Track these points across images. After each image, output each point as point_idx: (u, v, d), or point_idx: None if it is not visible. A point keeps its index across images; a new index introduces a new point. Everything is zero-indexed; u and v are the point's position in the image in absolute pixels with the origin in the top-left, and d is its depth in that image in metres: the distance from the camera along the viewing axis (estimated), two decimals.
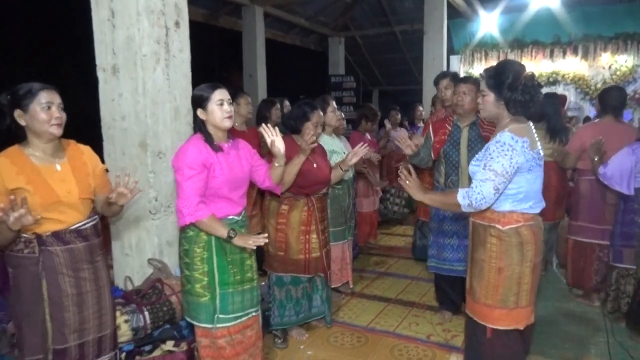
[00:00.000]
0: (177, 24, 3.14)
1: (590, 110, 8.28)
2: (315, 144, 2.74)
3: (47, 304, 1.95)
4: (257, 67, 8.03)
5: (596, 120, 3.82)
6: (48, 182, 1.94)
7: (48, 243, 1.94)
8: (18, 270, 1.94)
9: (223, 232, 2.15)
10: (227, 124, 2.22)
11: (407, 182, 2.13)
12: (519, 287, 2.02)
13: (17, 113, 1.91)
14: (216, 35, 8.90)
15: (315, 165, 2.91)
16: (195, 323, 2.32)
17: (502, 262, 2.01)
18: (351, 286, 3.84)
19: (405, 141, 2.99)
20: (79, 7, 3.41)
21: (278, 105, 4.39)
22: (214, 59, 9.45)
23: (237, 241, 2.15)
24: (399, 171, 2.20)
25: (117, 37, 2.97)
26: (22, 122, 1.92)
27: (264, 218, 3.09)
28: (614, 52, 8.13)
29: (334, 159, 3.39)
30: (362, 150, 2.90)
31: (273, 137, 2.36)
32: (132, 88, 2.97)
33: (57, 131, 1.95)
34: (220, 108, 2.19)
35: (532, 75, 1.98)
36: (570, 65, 8.40)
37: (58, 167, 2.00)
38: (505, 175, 1.90)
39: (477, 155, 2.10)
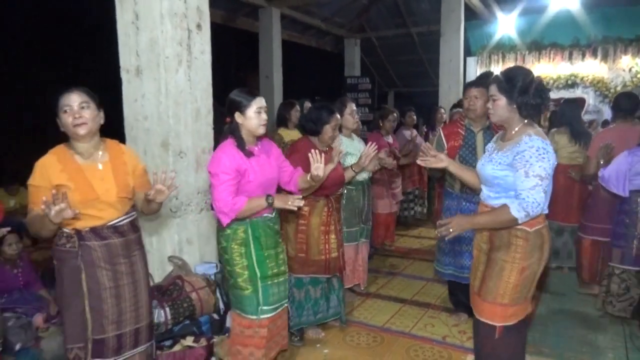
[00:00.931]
0: (199, 26, 3.20)
1: (609, 114, 8.17)
2: (342, 151, 2.80)
3: (86, 296, 2.04)
4: (274, 69, 8.09)
5: (612, 125, 3.85)
6: (89, 180, 2.03)
7: (87, 238, 2.04)
8: (61, 264, 2.06)
9: (263, 202, 2.29)
10: (262, 131, 2.34)
11: (451, 228, 2.03)
12: (532, 284, 2.11)
13: (57, 121, 2.04)
14: (233, 36, 8.98)
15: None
16: (241, 314, 2.42)
17: (526, 262, 2.04)
18: (362, 288, 3.84)
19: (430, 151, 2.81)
20: (104, 10, 3.49)
21: (297, 107, 4.43)
22: (231, 60, 9.54)
23: (278, 203, 2.29)
24: (436, 233, 2.13)
25: (140, 39, 3.04)
26: (61, 128, 2.05)
27: (282, 220, 3.12)
28: (634, 54, 7.99)
29: (348, 161, 3.40)
30: (372, 151, 2.92)
31: (318, 163, 2.40)
32: (155, 89, 3.04)
33: (81, 131, 2.00)
34: (258, 116, 2.30)
35: (541, 79, 2.04)
36: (590, 67, 8.28)
37: (100, 166, 2.09)
38: (548, 178, 1.94)
39: (495, 159, 2.07)
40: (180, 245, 3.18)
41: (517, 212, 1.92)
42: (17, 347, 2.87)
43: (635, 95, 3.72)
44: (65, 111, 1.99)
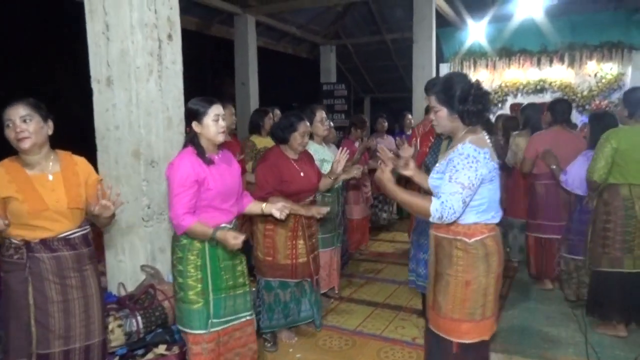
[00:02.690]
0: (169, 36, 3.24)
1: (576, 117, 8.41)
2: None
3: (32, 309, 2.01)
4: (250, 75, 8.12)
5: (546, 128, 4.17)
6: (38, 190, 2.01)
7: (36, 250, 2.02)
8: (7, 275, 2.03)
9: (208, 233, 2.24)
10: (221, 138, 2.33)
11: (383, 167, 2.01)
12: (485, 299, 2.01)
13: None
14: (209, 43, 9.01)
15: (302, 174, 3.01)
16: (188, 330, 2.35)
17: (469, 275, 1.98)
18: (337, 292, 3.91)
19: (385, 154, 2.60)
20: (74, 20, 3.51)
21: (271, 115, 4.47)
22: (206, 68, 9.56)
23: (221, 238, 2.23)
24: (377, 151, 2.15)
25: (111, 50, 3.06)
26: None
27: (252, 224, 3.18)
28: (599, 60, 8.27)
29: (325, 168, 3.48)
30: (344, 157, 2.96)
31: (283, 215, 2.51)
32: (126, 99, 3.06)
33: (24, 145, 1.98)
34: (215, 124, 2.28)
35: (479, 84, 1.98)
36: (557, 73, 8.53)
37: (50, 177, 2.07)
38: (471, 188, 1.88)
39: (436, 168, 2.06)
40: (153, 254, 3.19)
41: (434, 209, 1.88)
42: None
43: (570, 103, 4.11)
44: (8, 125, 1.98)
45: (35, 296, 2.01)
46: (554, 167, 3.57)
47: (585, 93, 8.32)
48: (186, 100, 3.40)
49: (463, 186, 1.86)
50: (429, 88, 2.06)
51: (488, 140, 2.03)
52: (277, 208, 2.49)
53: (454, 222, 1.97)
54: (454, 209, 1.87)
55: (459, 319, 2.01)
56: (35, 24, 7.12)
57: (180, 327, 2.43)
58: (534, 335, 3.21)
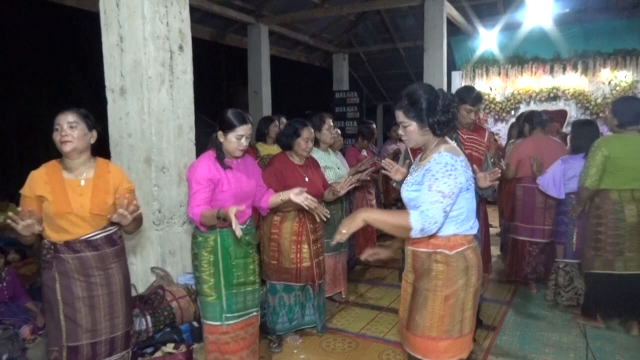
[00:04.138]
0: (180, 48, 3.37)
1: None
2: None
3: (61, 305, 2.18)
4: (262, 84, 8.26)
5: (527, 136, 4.30)
6: (67, 194, 2.17)
7: (61, 251, 2.18)
8: (42, 272, 2.22)
9: (214, 214, 2.30)
10: (238, 154, 2.49)
11: (343, 229, 1.81)
12: (463, 314, 1.91)
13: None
14: (223, 53, 9.18)
15: (307, 179, 3.10)
16: (203, 320, 2.57)
17: (449, 289, 1.88)
18: (344, 296, 3.95)
19: (392, 166, 2.45)
20: (91, 33, 3.66)
21: (277, 123, 4.57)
22: (220, 76, 9.74)
23: (227, 214, 2.20)
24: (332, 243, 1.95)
25: (125, 61, 3.21)
26: None
27: (260, 228, 3.27)
28: (613, 67, 8.22)
29: (327, 174, 3.56)
30: (346, 185, 2.96)
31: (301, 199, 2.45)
32: (139, 108, 3.20)
33: (66, 148, 2.15)
34: (237, 142, 2.43)
35: (445, 93, 1.92)
36: (571, 80, 8.50)
37: (82, 182, 2.23)
38: (451, 197, 1.79)
39: (409, 180, 1.96)
40: (162, 257, 3.31)
41: (414, 221, 1.74)
42: (4, 358, 2.97)
43: (540, 112, 4.36)
44: (57, 129, 2.16)
45: (62, 293, 2.18)
46: (536, 171, 3.76)
47: (599, 100, 8.27)
48: (197, 108, 3.54)
49: (443, 194, 1.77)
50: (395, 103, 1.94)
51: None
52: (294, 193, 2.47)
53: (434, 234, 1.84)
54: (436, 218, 1.75)
55: (437, 337, 1.90)
56: (54, 37, 7.40)
57: (201, 318, 2.63)
58: (535, 340, 3.23)
